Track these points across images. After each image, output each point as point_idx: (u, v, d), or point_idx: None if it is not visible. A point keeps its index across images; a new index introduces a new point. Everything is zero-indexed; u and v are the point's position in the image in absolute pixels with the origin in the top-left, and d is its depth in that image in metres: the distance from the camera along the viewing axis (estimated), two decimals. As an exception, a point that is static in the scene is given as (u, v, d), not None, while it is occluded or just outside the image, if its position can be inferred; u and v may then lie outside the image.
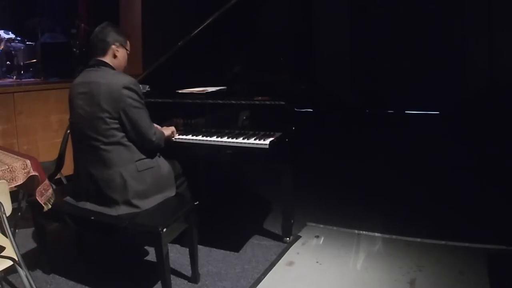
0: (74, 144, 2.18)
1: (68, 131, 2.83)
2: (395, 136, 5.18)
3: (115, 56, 2.13)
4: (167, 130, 2.39)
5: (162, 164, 2.19)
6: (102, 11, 4.96)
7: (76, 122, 2.09)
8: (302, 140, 2.61)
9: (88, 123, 2.02)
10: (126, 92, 1.99)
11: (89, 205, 2.10)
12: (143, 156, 2.10)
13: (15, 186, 1.80)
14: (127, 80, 2.02)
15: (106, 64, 2.10)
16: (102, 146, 2.01)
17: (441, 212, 3.06)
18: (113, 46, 2.11)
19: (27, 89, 3.44)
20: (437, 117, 6.00)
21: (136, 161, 2.06)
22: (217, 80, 2.90)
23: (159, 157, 2.22)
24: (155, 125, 2.21)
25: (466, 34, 5.72)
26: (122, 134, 2.02)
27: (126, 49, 2.19)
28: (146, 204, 2.06)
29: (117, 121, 2.00)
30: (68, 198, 2.18)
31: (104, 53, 2.11)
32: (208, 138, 2.44)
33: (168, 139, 2.38)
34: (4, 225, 1.63)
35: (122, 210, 2.03)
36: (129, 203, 2.03)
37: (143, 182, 2.07)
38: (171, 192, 2.21)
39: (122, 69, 2.19)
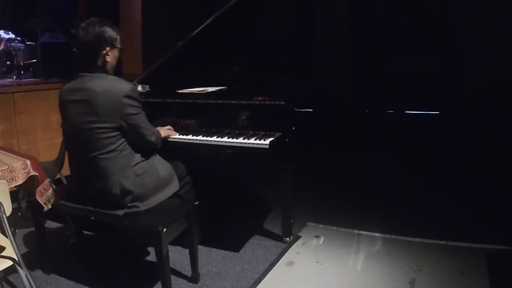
0: (67, 150, 2.14)
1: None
2: (395, 136, 5.18)
3: (106, 60, 2.05)
4: (163, 131, 2.40)
5: (158, 164, 2.18)
6: (102, 11, 4.96)
7: (70, 130, 2.07)
8: (302, 140, 2.61)
9: (83, 133, 1.97)
10: (127, 101, 1.95)
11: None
12: (140, 160, 2.08)
13: (15, 186, 1.80)
14: (126, 88, 1.97)
15: (99, 69, 2.04)
16: (99, 156, 1.97)
17: (441, 212, 3.06)
18: (103, 52, 2.03)
19: (27, 89, 3.44)
20: (437, 117, 6.00)
21: (134, 165, 2.05)
22: (217, 80, 2.89)
23: (155, 156, 2.20)
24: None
25: (466, 34, 5.72)
26: (120, 142, 1.99)
27: (117, 48, 2.08)
28: (146, 204, 2.06)
29: (115, 130, 1.97)
30: (68, 198, 2.18)
31: (95, 58, 2.03)
32: (208, 138, 2.44)
33: (165, 139, 2.38)
34: (4, 225, 1.63)
35: (123, 211, 2.03)
36: (128, 207, 2.03)
37: (143, 185, 2.06)
38: (175, 187, 2.21)
39: (114, 67, 2.12)
